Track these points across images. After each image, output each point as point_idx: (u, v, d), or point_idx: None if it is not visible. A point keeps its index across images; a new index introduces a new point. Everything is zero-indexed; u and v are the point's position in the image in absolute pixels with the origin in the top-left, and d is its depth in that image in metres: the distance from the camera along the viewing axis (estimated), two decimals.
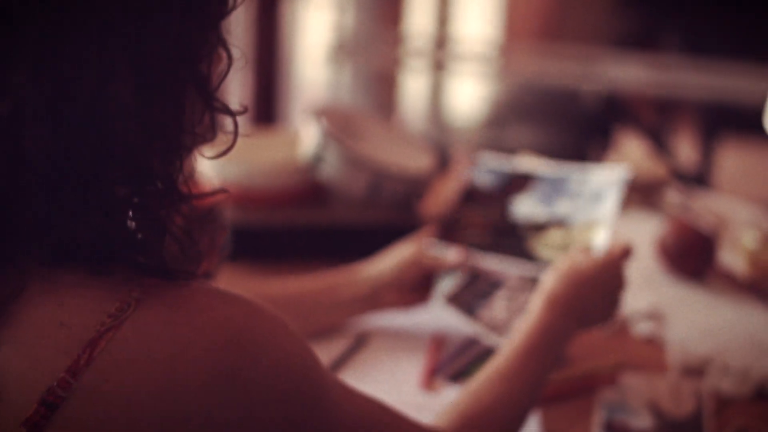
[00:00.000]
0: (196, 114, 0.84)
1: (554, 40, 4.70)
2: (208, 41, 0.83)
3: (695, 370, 1.42)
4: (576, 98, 3.43)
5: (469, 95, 4.48)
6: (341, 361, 1.42)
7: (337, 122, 1.76)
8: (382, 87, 4.11)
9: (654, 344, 1.51)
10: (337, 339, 1.48)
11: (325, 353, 1.40)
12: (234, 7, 0.86)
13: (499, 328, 1.39)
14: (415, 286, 1.48)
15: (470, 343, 1.47)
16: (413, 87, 4.57)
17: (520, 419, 1.16)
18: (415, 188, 1.74)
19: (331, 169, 1.71)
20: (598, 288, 1.29)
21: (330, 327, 1.48)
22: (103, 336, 0.78)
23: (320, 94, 4.02)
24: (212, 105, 0.84)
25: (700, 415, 1.31)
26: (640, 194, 1.98)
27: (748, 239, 1.72)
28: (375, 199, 1.70)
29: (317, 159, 1.71)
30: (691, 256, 1.70)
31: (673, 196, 1.96)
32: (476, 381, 1.17)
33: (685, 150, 4.29)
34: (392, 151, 1.77)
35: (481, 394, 1.14)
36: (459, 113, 4.53)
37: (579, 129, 3.31)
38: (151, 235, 0.82)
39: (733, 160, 4.35)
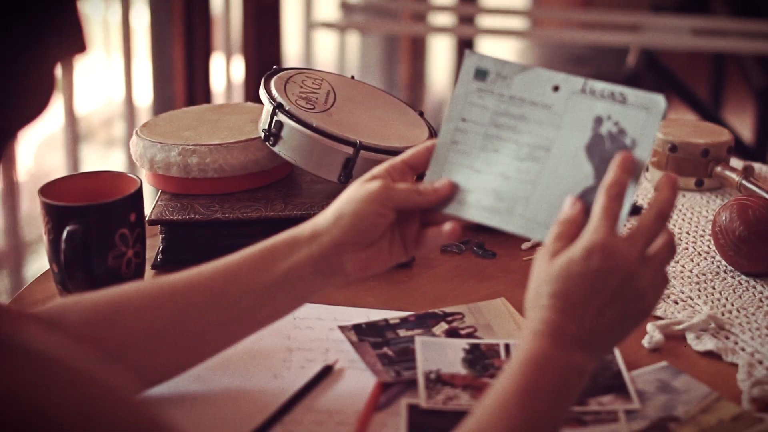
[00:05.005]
0: None
1: (590, 7, 4.34)
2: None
3: None
4: (616, 62, 3.10)
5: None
6: (300, 398, 1.08)
7: (302, 89, 1.38)
8: (403, 56, 3.75)
9: (717, 366, 1.17)
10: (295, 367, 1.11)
11: (279, 384, 1.10)
12: None
13: None
14: (390, 243, 1.07)
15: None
16: (439, 53, 4.18)
17: None
18: None
19: (288, 148, 1.33)
20: (626, 292, 0.91)
21: (272, 318, 1.07)
22: None
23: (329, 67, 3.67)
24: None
25: None
26: (692, 168, 1.58)
27: None
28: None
29: (272, 136, 1.33)
30: (762, 245, 1.33)
31: (733, 171, 1.56)
32: None
33: (740, 120, 3.93)
34: (376, 124, 1.39)
35: None
36: None
37: None
38: None
39: None
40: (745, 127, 3.92)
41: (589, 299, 0.90)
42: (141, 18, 3.13)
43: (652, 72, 3.13)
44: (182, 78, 2.83)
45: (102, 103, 3.42)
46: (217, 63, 3.04)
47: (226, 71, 3.15)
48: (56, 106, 2.90)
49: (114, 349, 1.00)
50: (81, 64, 3.01)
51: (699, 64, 4.09)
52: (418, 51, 3.82)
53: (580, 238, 0.92)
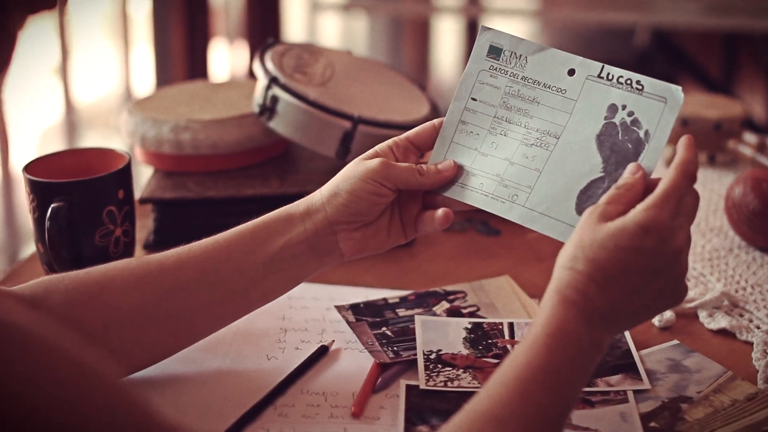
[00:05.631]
0: None
1: None
2: None
3: None
4: (626, 42, 3.04)
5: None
6: (294, 380, 1.04)
7: (298, 63, 1.34)
8: (409, 40, 3.69)
9: (731, 345, 1.12)
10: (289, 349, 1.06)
11: (273, 365, 1.05)
12: None
13: None
14: (389, 224, 1.03)
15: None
16: (445, 35, 4.12)
17: None
18: None
19: (284, 123, 1.28)
20: (665, 276, 0.85)
21: (265, 299, 1.02)
22: None
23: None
24: None
25: None
26: (704, 142, 1.53)
27: None
28: (350, 159, 1.27)
29: (267, 111, 1.28)
30: None
31: (747, 147, 1.51)
32: (459, 420, 0.79)
33: (753, 101, 3.87)
34: (375, 98, 1.34)
35: None
36: None
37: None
38: None
39: None
40: (759, 108, 3.86)
41: (629, 277, 0.84)
42: (141, 6, 3.09)
43: (664, 52, 3.07)
44: (183, 65, 2.79)
45: (104, 93, 3.39)
46: (219, 49, 2.99)
47: (228, 57, 3.11)
48: (56, 95, 2.87)
49: (99, 330, 0.95)
50: (83, 53, 2.98)
51: (711, 44, 4.03)
52: (423, 34, 3.77)
53: (638, 209, 0.85)
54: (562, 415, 0.82)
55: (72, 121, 2.90)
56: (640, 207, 0.85)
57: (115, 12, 3.06)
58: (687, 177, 0.87)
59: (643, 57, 3.00)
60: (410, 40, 3.74)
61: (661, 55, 3.09)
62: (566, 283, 0.84)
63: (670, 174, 0.87)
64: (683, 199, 0.86)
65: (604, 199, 0.87)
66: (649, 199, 0.85)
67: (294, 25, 3.42)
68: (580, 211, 0.94)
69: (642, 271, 0.84)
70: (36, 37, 2.96)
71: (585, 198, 0.94)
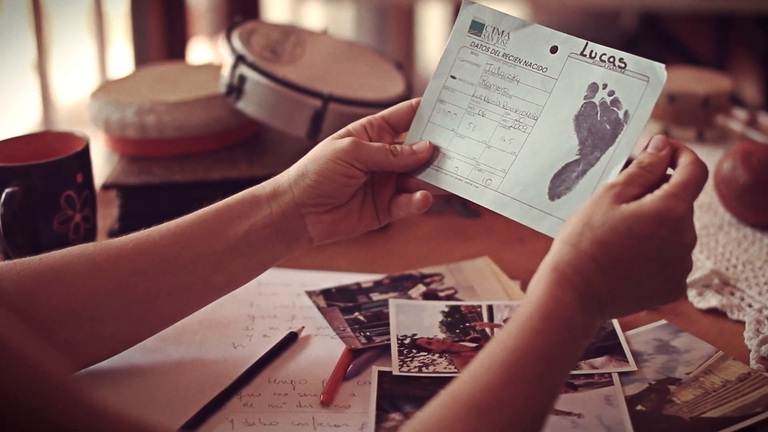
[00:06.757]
0: None
1: None
2: None
3: None
4: (612, 25, 3.00)
5: None
6: (261, 368, 0.98)
7: (267, 41, 1.28)
8: (395, 24, 3.64)
9: (722, 324, 1.07)
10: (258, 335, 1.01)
11: (239, 353, 1.00)
12: None
13: None
14: (361, 207, 0.98)
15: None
16: (431, 23, 4.07)
17: None
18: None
19: (252, 103, 1.23)
20: (669, 249, 0.80)
21: (230, 286, 0.97)
22: None
23: None
24: None
25: None
26: (692, 118, 1.48)
27: None
28: (321, 139, 1.22)
29: (235, 91, 1.23)
30: None
31: (737, 122, 1.46)
32: (438, 405, 0.74)
33: (744, 80, 3.82)
34: (348, 76, 1.29)
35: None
36: None
37: None
38: None
39: None
40: (750, 91, 3.82)
41: (635, 265, 0.79)
42: (119, 3, 3.04)
43: (651, 35, 3.02)
44: (162, 61, 2.75)
45: (86, 92, 3.34)
46: (199, 44, 2.95)
47: (209, 52, 3.06)
48: (35, 94, 2.82)
49: (52, 320, 0.90)
50: (64, 51, 2.93)
51: (700, 27, 3.99)
52: (409, 23, 3.72)
53: (656, 195, 0.80)
54: (549, 402, 0.76)
55: (53, 119, 2.84)
56: (659, 193, 0.80)
57: (93, 9, 3.01)
58: (704, 172, 0.83)
59: (629, 40, 2.95)
60: (396, 28, 3.69)
61: (648, 39, 3.05)
62: (566, 261, 0.79)
63: (685, 167, 0.82)
64: (697, 195, 0.82)
65: (622, 178, 0.82)
66: (668, 187, 0.80)
67: (277, 17, 3.38)
68: (552, 196, 0.89)
69: (650, 261, 0.79)
70: (14, 33, 2.92)
71: (558, 182, 0.89)
